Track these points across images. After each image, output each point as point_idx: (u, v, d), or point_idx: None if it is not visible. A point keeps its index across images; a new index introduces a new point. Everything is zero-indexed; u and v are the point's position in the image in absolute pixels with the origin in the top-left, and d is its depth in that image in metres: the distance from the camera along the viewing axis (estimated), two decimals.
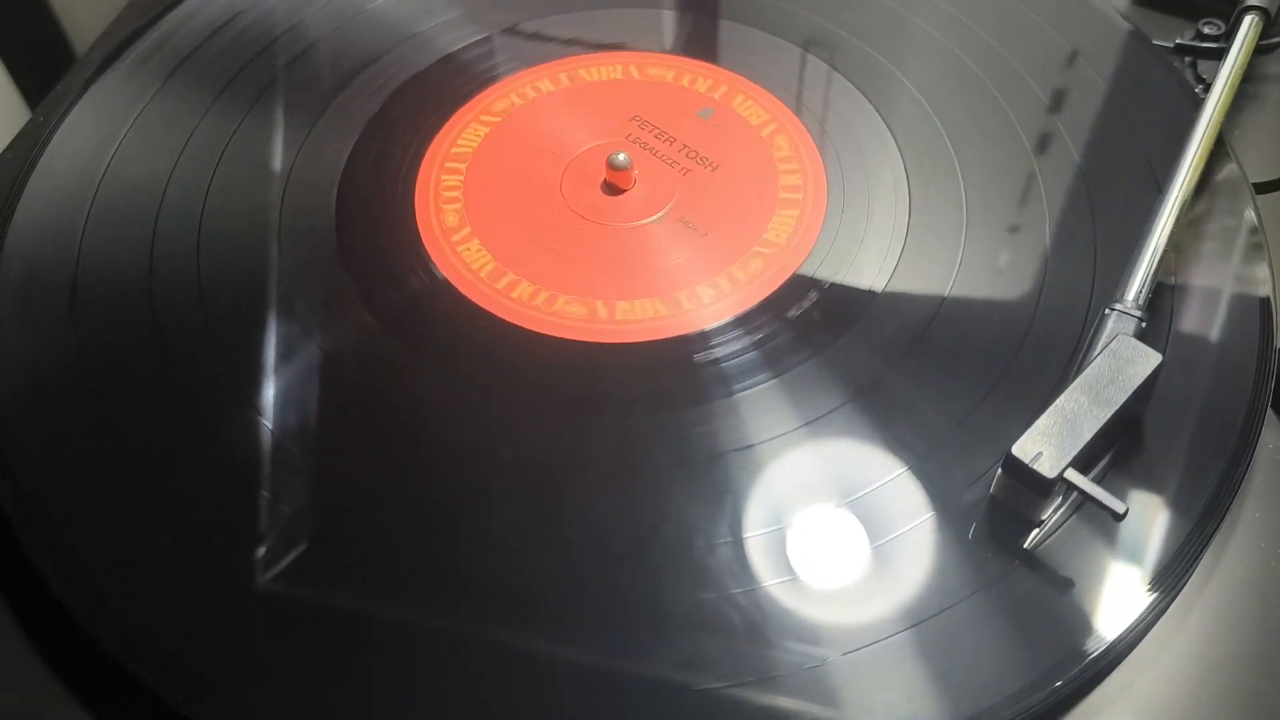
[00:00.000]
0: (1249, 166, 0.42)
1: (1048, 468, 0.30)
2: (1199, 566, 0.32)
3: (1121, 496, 0.31)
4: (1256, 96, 0.46)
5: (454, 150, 0.44)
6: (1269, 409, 0.36)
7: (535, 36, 0.49)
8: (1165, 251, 0.37)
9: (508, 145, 0.44)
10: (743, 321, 0.38)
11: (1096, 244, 0.39)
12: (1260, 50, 0.45)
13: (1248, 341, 0.36)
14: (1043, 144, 0.43)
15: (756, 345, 0.37)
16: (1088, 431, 0.31)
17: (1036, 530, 0.32)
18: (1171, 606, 0.32)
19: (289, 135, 0.44)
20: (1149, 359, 0.33)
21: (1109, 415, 0.32)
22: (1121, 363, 0.33)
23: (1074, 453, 0.31)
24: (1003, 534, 0.32)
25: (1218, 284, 0.38)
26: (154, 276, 0.39)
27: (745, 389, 0.36)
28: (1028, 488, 0.31)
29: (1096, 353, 0.33)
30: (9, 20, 0.65)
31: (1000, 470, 0.32)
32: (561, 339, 0.38)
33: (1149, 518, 0.32)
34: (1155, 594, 0.31)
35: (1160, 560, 0.31)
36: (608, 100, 0.46)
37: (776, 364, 0.36)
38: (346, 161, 0.43)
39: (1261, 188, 0.42)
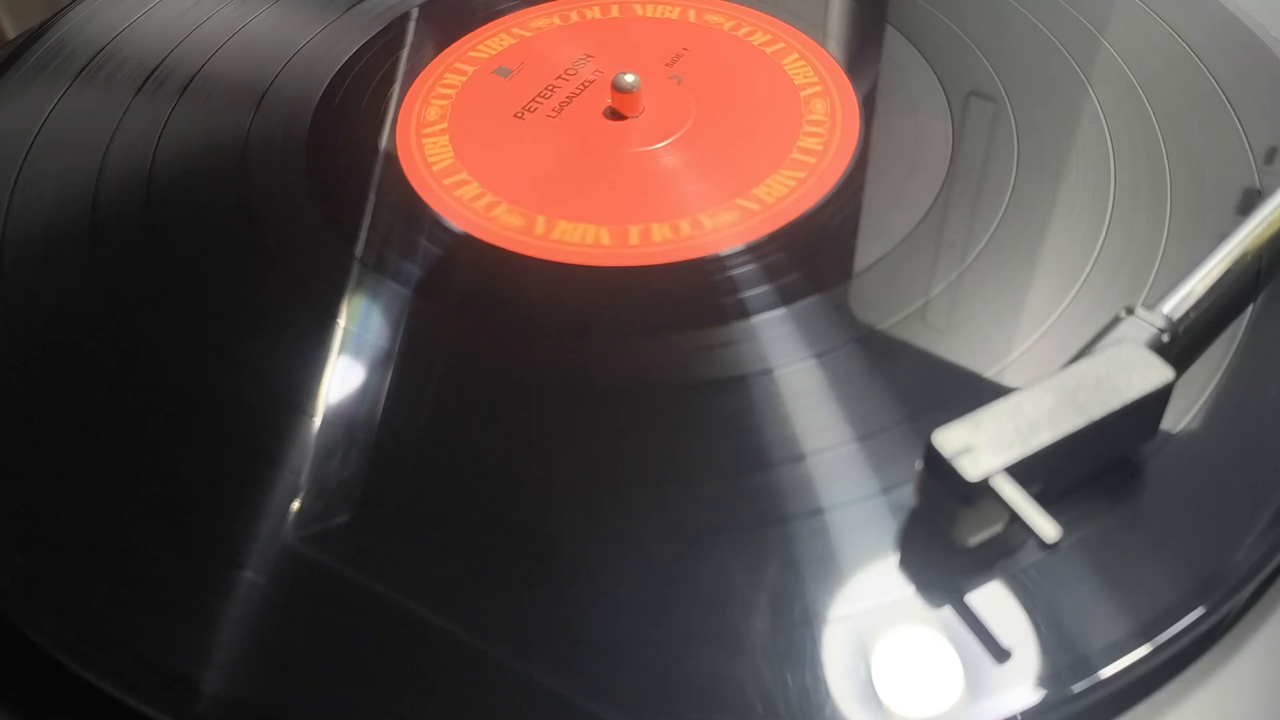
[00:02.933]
0: None
1: (972, 467, 0.23)
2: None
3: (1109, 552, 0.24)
4: None
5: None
6: None
7: None
8: (1234, 280, 0.29)
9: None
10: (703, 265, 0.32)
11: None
12: None
13: None
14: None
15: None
16: (1042, 439, 0.24)
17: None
18: None
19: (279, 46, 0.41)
20: (1156, 373, 0.25)
21: (1078, 426, 0.24)
22: (1117, 369, 0.25)
23: (1014, 458, 0.23)
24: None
25: None
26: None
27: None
28: (948, 491, 0.24)
29: (1091, 354, 0.26)
30: None
31: (919, 463, 0.25)
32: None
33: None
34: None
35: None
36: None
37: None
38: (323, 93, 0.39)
39: None
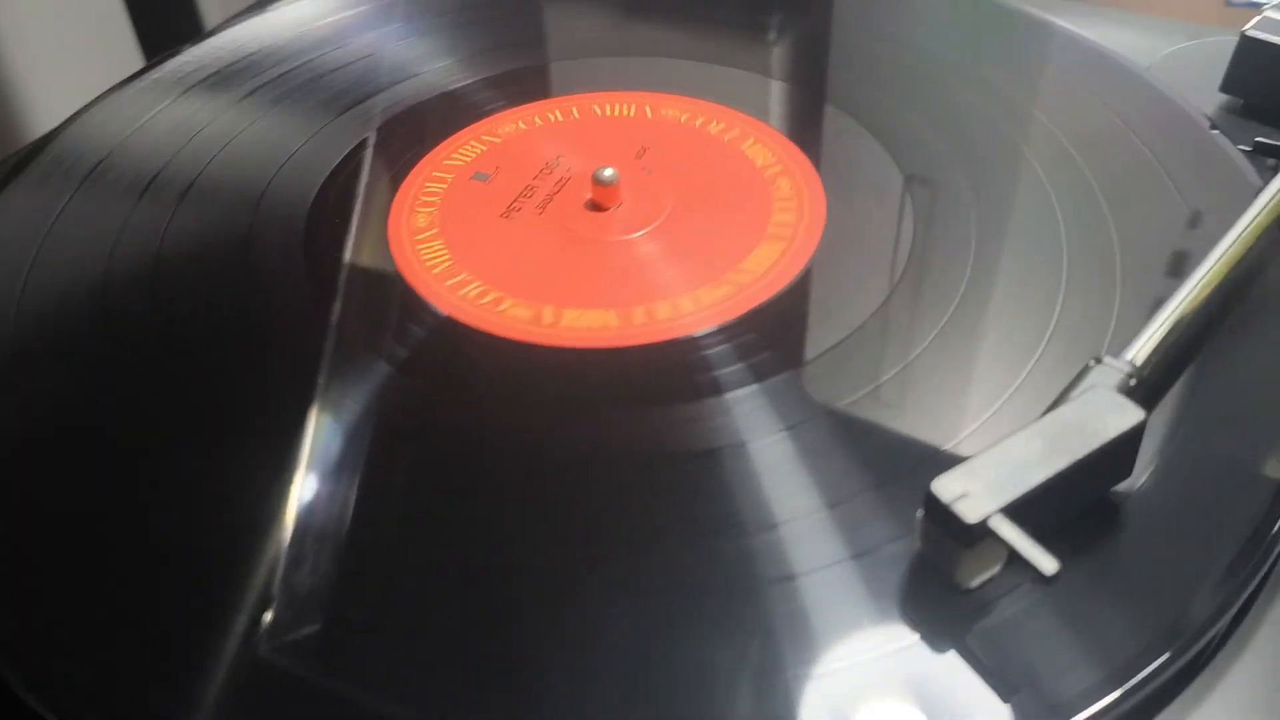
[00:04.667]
0: None
1: (971, 511, 0.25)
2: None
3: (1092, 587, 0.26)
4: None
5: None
6: None
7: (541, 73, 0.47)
8: (1190, 326, 0.31)
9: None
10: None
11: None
12: None
13: None
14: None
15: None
16: (1034, 480, 0.26)
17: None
18: None
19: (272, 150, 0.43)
20: (1129, 414, 0.27)
21: (1064, 466, 0.26)
22: (1093, 413, 0.27)
23: (1009, 499, 0.25)
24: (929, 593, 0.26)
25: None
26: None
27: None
28: (949, 535, 0.26)
29: (1065, 401, 0.28)
30: None
31: (920, 511, 0.26)
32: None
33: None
34: None
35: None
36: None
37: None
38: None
39: None
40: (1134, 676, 0.25)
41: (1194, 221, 0.38)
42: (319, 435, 0.31)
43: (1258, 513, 0.28)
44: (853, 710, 0.24)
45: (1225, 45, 0.45)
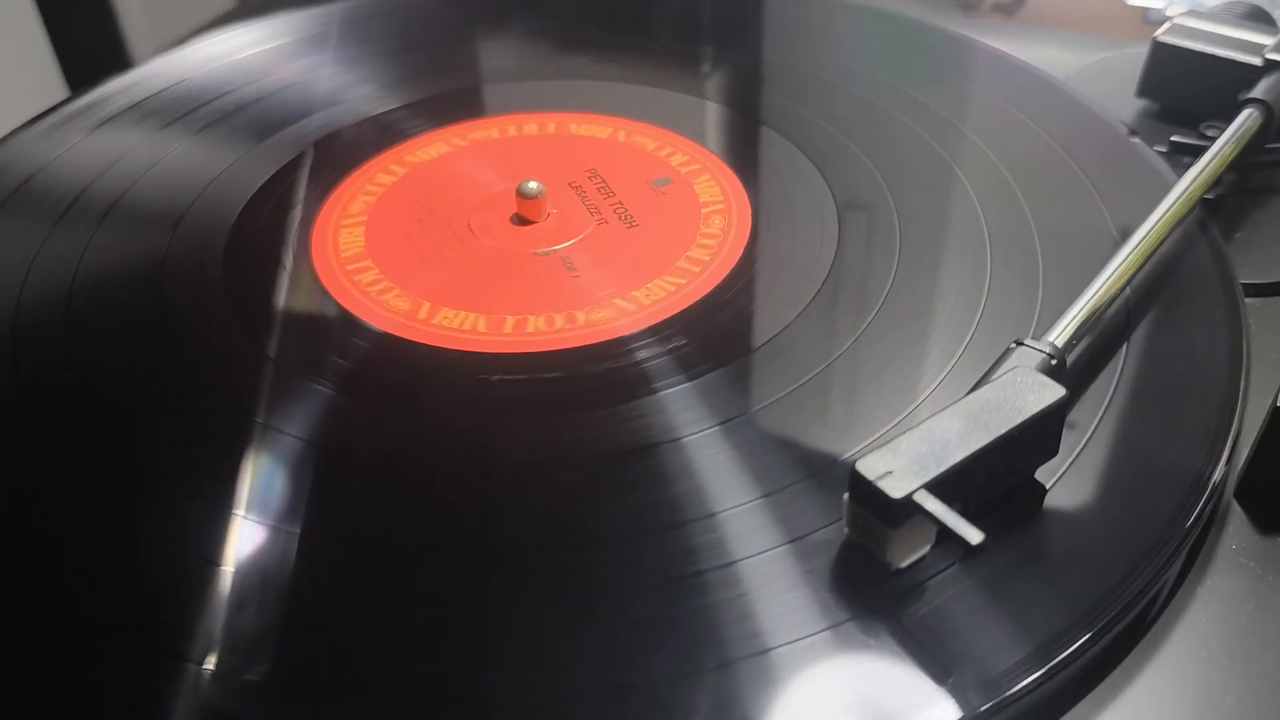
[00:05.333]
0: (1245, 268, 0.37)
1: (895, 487, 0.25)
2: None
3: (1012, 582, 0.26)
4: (1267, 207, 0.41)
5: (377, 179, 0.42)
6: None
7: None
8: (1110, 312, 0.32)
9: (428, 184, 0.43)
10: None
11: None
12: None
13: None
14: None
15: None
16: (955, 456, 0.25)
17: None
18: None
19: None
20: (1049, 392, 0.27)
21: (986, 443, 0.26)
22: (1015, 392, 0.27)
23: (932, 475, 0.25)
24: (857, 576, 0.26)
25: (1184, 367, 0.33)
26: None
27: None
28: (875, 515, 0.25)
29: (988, 382, 0.28)
30: None
31: (847, 495, 0.26)
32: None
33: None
34: None
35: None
36: (576, 152, 0.44)
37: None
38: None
39: (1251, 289, 0.37)
40: (1059, 654, 0.24)
41: (1115, 221, 0.38)
42: (257, 467, 0.30)
43: (1179, 496, 0.28)
44: (790, 692, 0.24)
45: (1142, 55, 0.46)
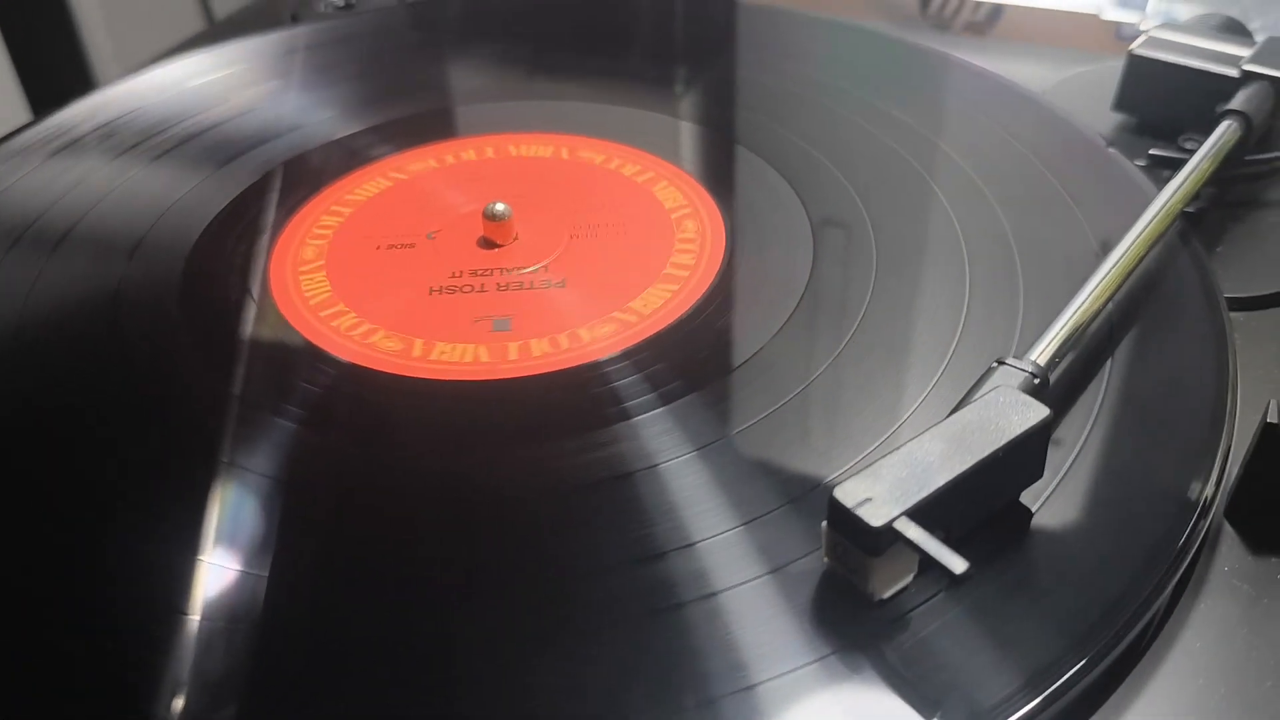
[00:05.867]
0: (1228, 281, 0.37)
1: (874, 515, 0.24)
2: None
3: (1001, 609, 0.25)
4: (1248, 220, 0.41)
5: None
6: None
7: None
8: (1093, 329, 0.31)
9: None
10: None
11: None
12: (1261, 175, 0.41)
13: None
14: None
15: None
16: (937, 480, 0.24)
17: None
18: None
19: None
20: (1033, 411, 0.26)
21: (969, 465, 0.25)
22: (997, 412, 0.26)
23: (912, 502, 0.24)
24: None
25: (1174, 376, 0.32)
26: None
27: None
28: (855, 544, 0.24)
29: (969, 402, 0.27)
30: None
31: (825, 523, 0.25)
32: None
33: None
34: None
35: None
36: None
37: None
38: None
39: (1235, 303, 0.36)
40: (1051, 684, 0.23)
41: (1095, 235, 0.38)
42: (223, 498, 0.29)
43: (1169, 517, 0.27)
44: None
45: (1117, 70, 0.46)
